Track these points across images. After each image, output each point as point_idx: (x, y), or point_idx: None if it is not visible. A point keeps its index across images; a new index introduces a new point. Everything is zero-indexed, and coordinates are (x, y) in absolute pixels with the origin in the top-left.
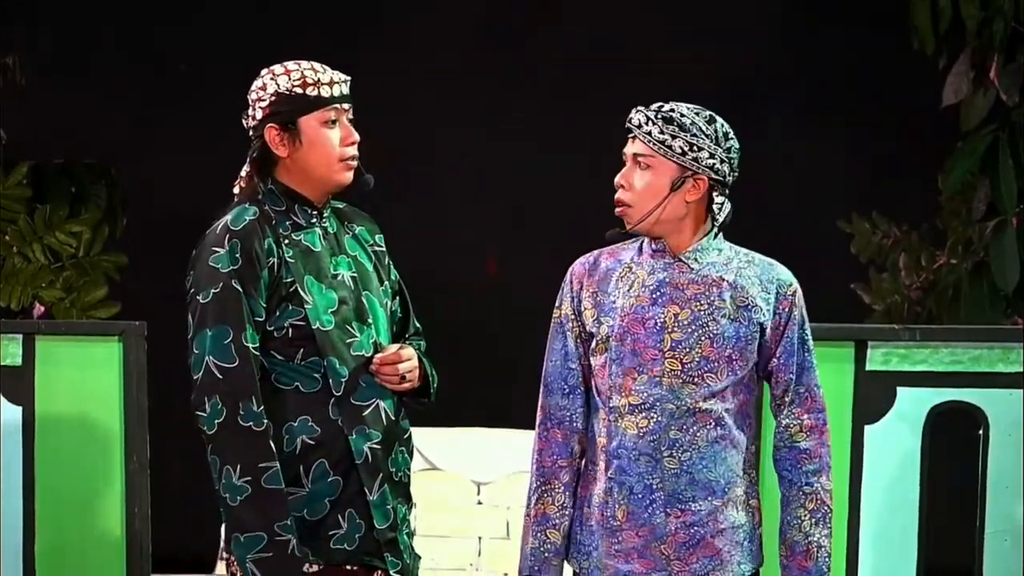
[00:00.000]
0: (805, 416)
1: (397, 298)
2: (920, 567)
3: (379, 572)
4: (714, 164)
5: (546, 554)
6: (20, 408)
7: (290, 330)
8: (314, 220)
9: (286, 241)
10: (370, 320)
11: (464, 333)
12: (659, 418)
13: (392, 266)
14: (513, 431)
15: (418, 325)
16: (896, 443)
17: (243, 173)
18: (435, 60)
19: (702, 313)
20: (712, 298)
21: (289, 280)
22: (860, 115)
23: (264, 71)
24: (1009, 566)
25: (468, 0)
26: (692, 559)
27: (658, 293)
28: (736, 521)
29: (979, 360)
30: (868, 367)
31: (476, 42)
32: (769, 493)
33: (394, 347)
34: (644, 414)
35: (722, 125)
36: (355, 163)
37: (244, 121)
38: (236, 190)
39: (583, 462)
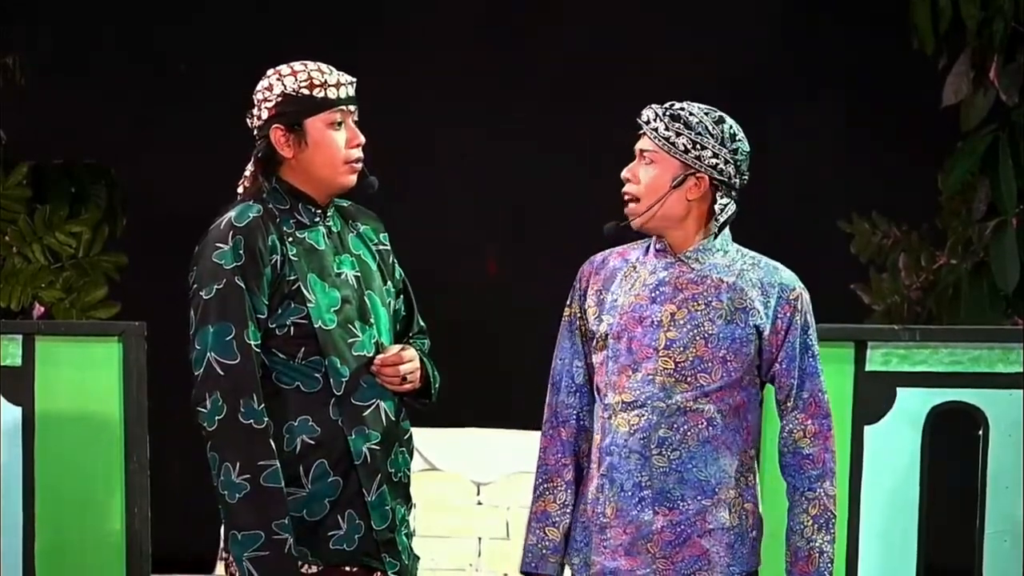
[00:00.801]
0: (809, 422)
1: (401, 297)
2: (920, 567)
3: (378, 573)
4: (717, 164)
5: (544, 551)
6: (20, 408)
7: (292, 328)
8: (318, 218)
9: (290, 239)
10: (372, 320)
11: (464, 333)
12: (649, 416)
13: (397, 265)
14: (513, 431)
15: (423, 324)
16: (896, 443)
17: (247, 172)
18: (435, 60)
19: (698, 313)
20: (709, 298)
21: (292, 278)
22: (860, 115)
23: (271, 71)
24: (1009, 566)
25: (468, 0)
26: (678, 558)
27: (657, 292)
28: (726, 523)
29: (979, 360)
30: (868, 367)
31: (476, 42)
32: (777, 497)
33: (396, 348)
34: (636, 411)
35: (731, 127)
36: (360, 165)
37: (248, 121)
38: (240, 189)
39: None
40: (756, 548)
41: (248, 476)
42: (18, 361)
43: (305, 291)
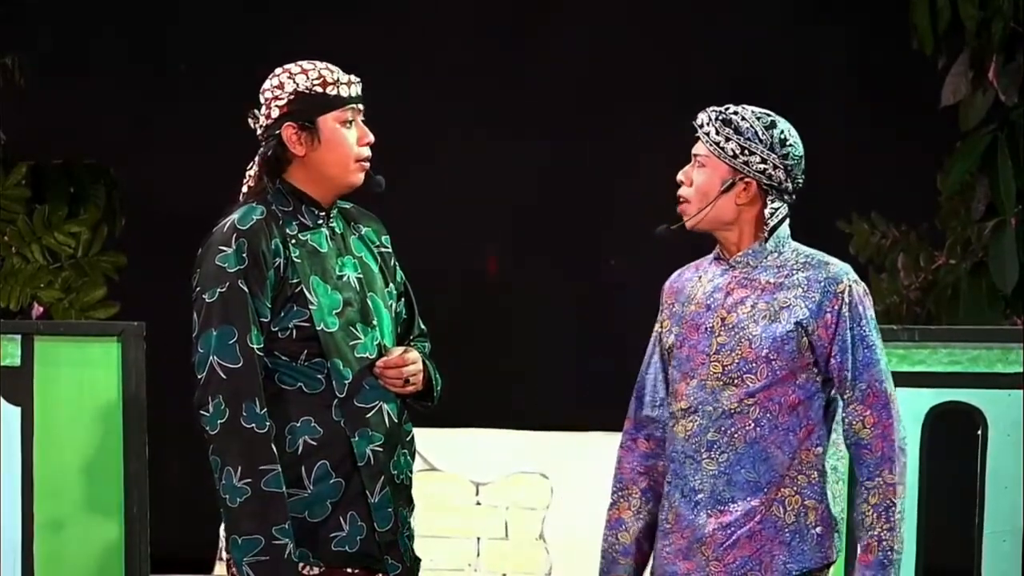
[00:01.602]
0: (867, 412)
1: (402, 299)
2: (919, 567)
3: (380, 575)
4: (766, 169)
5: (614, 554)
6: (19, 408)
7: (294, 331)
8: (321, 220)
9: (293, 241)
10: (375, 322)
11: (463, 333)
12: (701, 421)
13: (398, 267)
14: (512, 431)
15: (423, 327)
16: None
17: (251, 172)
18: (435, 60)
19: (744, 316)
20: (756, 301)
21: (295, 281)
22: (859, 115)
23: (279, 70)
24: (1008, 566)
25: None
26: (729, 559)
27: (712, 299)
28: (780, 521)
29: (978, 360)
30: None
31: (477, 42)
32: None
33: (399, 350)
34: (690, 417)
35: (782, 132)
36: (368, 164)
37: (253, 121)
38: (244, 189)
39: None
40: (824, 544)
41: (249, 480)
42: (17, 361)
43: (308, 293)
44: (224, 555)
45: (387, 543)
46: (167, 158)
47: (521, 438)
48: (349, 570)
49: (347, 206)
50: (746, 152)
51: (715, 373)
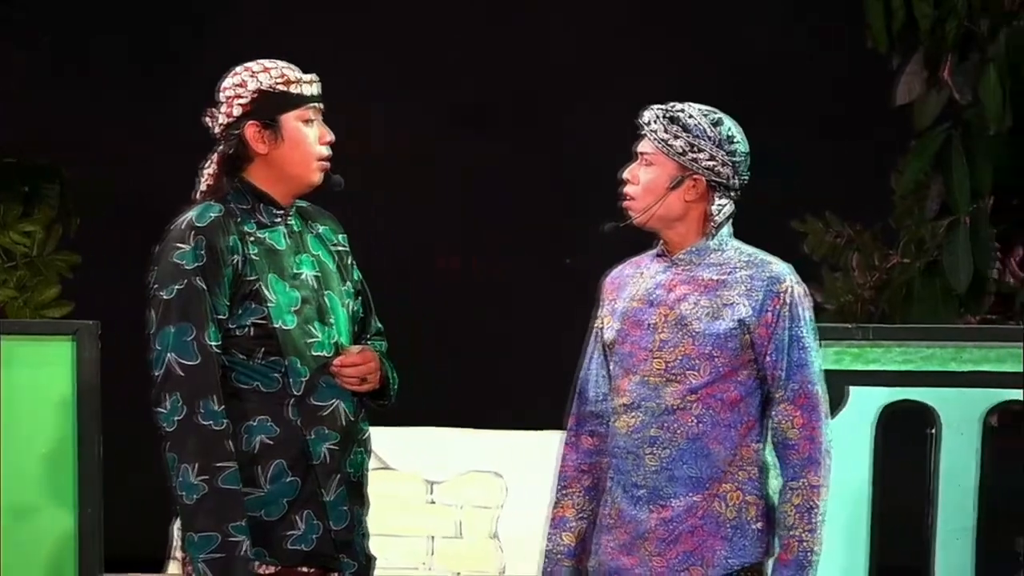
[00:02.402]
0: (797, 413)
1: (359, 297)
2: (872, 565)
3: (335, 574)
4: (714, 166)
5: (558, 556)
6: None
7: (251, 328)
8: (279, 219)
9: (251, 239)
10: (331, 320)
11: (417, 331)
12: (643, 416)
13: (355, 266)
14: (465, 430)
15: (380, 325)
16: (848, 441)
17: (209, 171)
18: (414, 58)
19: (687, 313)
20: (699, 298)
21: (252, 278)
22: (813, 114)
23: (239, 68)
24: (960, 565)
25: None
26: (670, 554)
27: (654, 295)
28: (721, 516)
29: (931, 359)
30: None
31: (464, 41)
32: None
33: (356, 348)
34: (632, 413)
35: (728, 128)
36: (328, 164)
37: (210, 120)
38: (202, 188)
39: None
40: (763, 539)
41: (205, 478)
42: None
43: (265, 291)
44: (177, 554)
45: (342, 542)
46: (120, 157)
47: (475, 437)
48: (304, 569)
49: (304, 204)
50: (694, 149)
51: (657, 369)
